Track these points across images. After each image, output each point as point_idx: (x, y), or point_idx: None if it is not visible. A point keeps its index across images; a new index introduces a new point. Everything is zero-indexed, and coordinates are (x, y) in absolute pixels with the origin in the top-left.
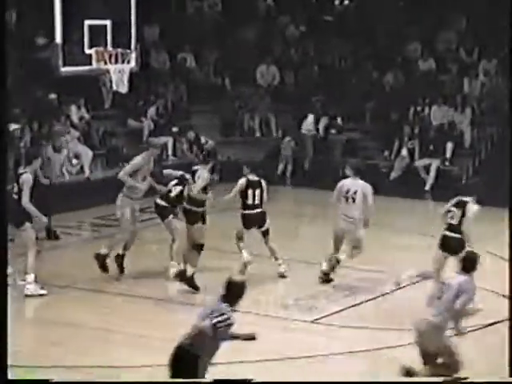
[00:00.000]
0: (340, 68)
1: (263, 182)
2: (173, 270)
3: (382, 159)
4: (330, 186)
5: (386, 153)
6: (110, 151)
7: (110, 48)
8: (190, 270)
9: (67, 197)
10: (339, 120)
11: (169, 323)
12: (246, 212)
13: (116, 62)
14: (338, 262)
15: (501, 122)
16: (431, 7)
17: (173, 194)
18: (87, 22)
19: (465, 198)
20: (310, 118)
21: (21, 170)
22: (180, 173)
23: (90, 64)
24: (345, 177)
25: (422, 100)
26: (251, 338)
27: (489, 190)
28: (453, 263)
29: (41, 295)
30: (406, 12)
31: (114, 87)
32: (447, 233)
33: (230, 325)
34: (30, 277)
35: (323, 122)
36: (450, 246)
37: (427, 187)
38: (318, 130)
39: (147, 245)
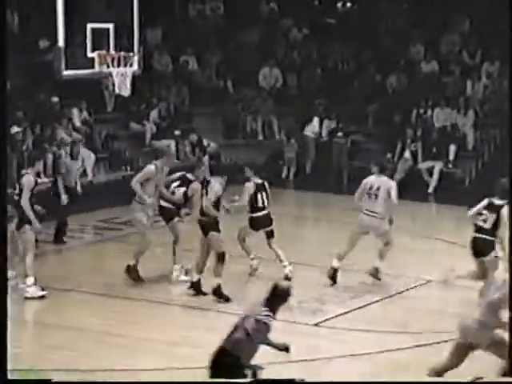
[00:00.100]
0: (343, 71)
1: (266, 184)
2: (176, 274)
3: (384, 162)
4: (332, 188)
5: (389, 155)
6: (112, 154)
7: (112, 51)
8: (216, 281)
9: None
10: (334, 123)
11: (172, 326)
12: (255, 215)
13: (118, 65)
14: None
15: (504, 124)
16: (434, 9)
17: (176, 196)
18: (90, 26)
19: (497, 201)
20: (315, 120)
21: (23, 172)
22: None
23: (93, 67)
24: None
25: (424, 102)
26: (285, 349)
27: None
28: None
29: (41, 297)
30: (409, 14)
31: (117, 90)
32: (478, 235)
33: (268, 329)
34: (30, 279)
35: (328, 124)
36: (480, 248)
37: (430, 190)
38: (321, 132)
39: (151, 247)
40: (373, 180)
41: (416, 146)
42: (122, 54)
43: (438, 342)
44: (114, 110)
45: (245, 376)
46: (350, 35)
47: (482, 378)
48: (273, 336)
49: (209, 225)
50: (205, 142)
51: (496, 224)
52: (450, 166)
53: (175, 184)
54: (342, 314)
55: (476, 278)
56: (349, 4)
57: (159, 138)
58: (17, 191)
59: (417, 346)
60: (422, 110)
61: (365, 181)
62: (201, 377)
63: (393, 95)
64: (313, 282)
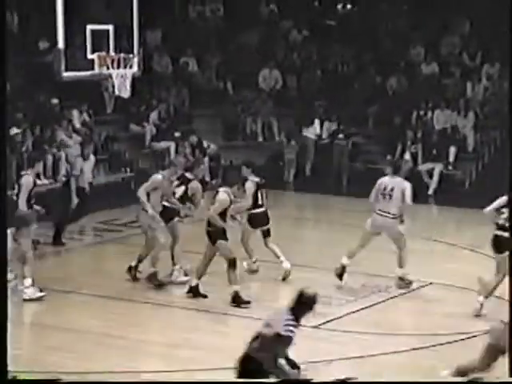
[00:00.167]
0: (343, 72)
1: (263, 182)
2: (176, 274)
3: (385, 164)
4: (332, 190)
5: (389, 157)
6: (112, 156)
7: (112, 53)
8: (234, 288)
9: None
10: (335, 125)
11: (173, 328)
12: (254, 211)
13: (118, 66)
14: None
15: (504, 126)
16: (434, 11)
17: (177, 195)
18: (89, 27)
19: None
20: (316, 122)
21: (22, 173)
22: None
23: (93, 69)
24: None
25: (425, 104)
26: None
27: (493, 193)
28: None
29: (40, 298)
30: (409, 16)
31: (116, 92)
32: (500, 232)
33: (289, 342)
34: (27, 281)
35: (328, 126)
36: (502, 245)
37: (430, 191)
38: (321, 134)
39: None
40: (387, 181)
41: (416, 147)
42: (122, 55)
43: (441, 344)
44: (113, 111)
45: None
46: (350, 37)
47: (482, 378)
48: None
49: (216, 234)
50: (205, 144)
51: None
52: (450, 167)
53: (175, 183)
54: (341, 317)
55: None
56: (349, 6)
57: (159, 140)
58: (16, 192)
59: (415, 349)
60: (422, 112)
61: (379, 181)
62: (201, 379)
63: (393, 97)
64: (312, 283)
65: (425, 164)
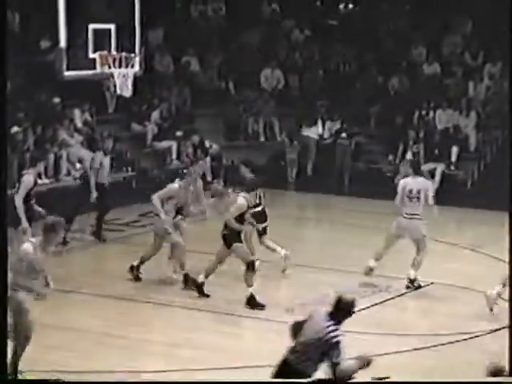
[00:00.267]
0: (345, 72)
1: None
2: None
3: (386, 163)
4: (334, 190)
5: (391, 157)
6: (113, 155)
7: (113, 52)
8: (249, 290)
9: (70, 201)
10: (338, 124)
11: (174, 328)
12: (252, 210)
13: (120, 66)
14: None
15: (506, 126)
16: (436, 11)
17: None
18: (91, 26)
19: None
20: (319, 122)
21: (24, 172)
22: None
23: (94, 68)
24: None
25: (426, 104)
26: (365, 363)
27: (495, 193)
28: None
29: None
30: (411, 16)
31: (118, 91)
32: None
33: (336, 342)
34: None
35: (330, 126)
36: None
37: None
38: (323, 134)
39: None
40: (411, 183)
41: (418, 147)
42: (124, 54)
43: (442, 344)
44: (115, 110)
45: None
46: (352, 37)
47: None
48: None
49: (231, 237)
50: (207, 144)
51: None
52: (452, 167)
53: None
54: None
55: None
56: (351, 5)
57: (161, 139)
58: (16, 190)
59: (416, 349)
60: (424, 112)
61: (402, 184)
62: (202, 379)
63: (395, 97)
64: (314, 283)
65: (427, 164)
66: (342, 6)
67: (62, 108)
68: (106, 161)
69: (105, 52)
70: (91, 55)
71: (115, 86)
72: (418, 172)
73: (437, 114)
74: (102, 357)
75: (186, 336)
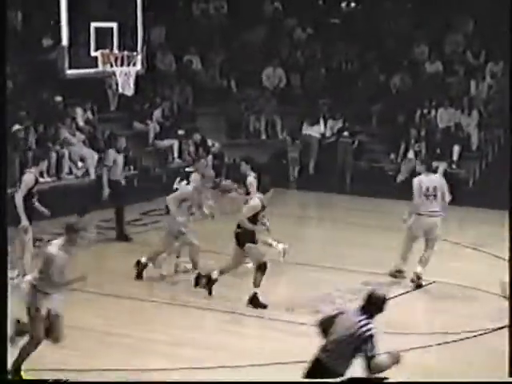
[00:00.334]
0: (347, 71)
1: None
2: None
3: (388, 162)
4: (335, 188)
5: (393, 156)
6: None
7: (115, 50)
8: (254, 290)
9: (72, 199)
10: (341, 122)
11: (175, 327)
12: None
13: (122, 64)
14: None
15: (508, 125)
16: (438, 10)
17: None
18: (93, 25)
19: None
20: (322, 121)
21: (26, 171)
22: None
23: (96, 66)
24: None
25: (428, 103)
26: (396, 360)
27: (496, 192)
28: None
29: None
30: (413, 15)
31: (120, 90)
32: None
33: (369, 336)
34: (27, 278)
35: (332, 124)
36: None
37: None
38: (325, 133)
39: (154, 247)
40: (425, 180)
41: (420, 146)
42: (126, 53)
43: (446, 342)
44: (117, 109)
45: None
46: (354, 35)
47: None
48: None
49: (244, 236)
50: (209, 142)
51: None
52: (454, 166)
53: (177, 180)
54: None
55: None
56: (353, 4)
57: (162, 138)
58: (17, 189)
59: (420, 348)
60: (425, 111)
61: (416, 182)
62: (204, 378)
63: (397, 95)
64: (316, 282)
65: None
66: (344, 5)
67: (63, 106)
68: (120, 158)
69: (107, 50)
70: (93, 53)
71: (117, 85)
72: (430, 169)
73: (439, 112)
74: (105, 355)
75: (188, 335)
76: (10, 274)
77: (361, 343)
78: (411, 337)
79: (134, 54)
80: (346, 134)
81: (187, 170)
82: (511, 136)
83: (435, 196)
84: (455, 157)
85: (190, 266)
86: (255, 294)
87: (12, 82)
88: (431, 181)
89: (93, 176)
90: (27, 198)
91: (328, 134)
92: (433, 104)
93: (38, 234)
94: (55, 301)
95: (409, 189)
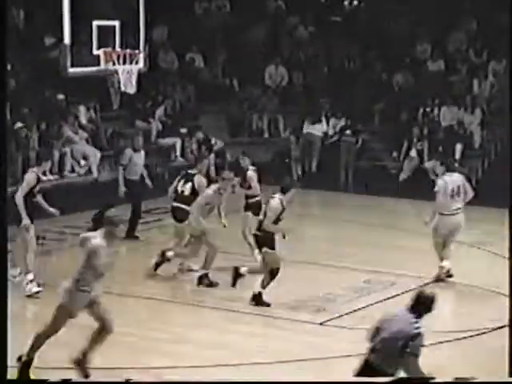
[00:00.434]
0: (349, 69)
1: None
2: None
3: (390, 160)
4: (338, 187)
5: (395, 154)
6: (117, 152)
7: (118, 49)
8: (258, 289)
9: (75, 197)
10: (343, 121)
11: (178, 325)
12: (252, 200)
13: (124, 62)
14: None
15: (510, 123)
16: (441, 8)
17: (186, 193)
18: (96, 23)
19: None
20: (324, 120)
21: (28, 170)
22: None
23: (98, 65)
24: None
25: (431, 101)
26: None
27: (499, 190)
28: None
29: (37, 293)
30: (416, 13)
31: (122, 88)
32: None
33: (417, 333)
34: (29, 276)
35: (334, 123)
36: None
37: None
38: (327, 132)
39: (156, 246)
40: (449, 181)
41: (422, 144)
42: (128, 51)
43: (448, 341)
44: (119, 107)
45: None
46: (357, 33)
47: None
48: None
49: (263, 239)
50: (212, 141)
51: None
52: (457, 164)
53: (181, 183)
54: (347, 314)
55: None
56: (355, 2)
57: (165, 136)
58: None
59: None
60: (428, 109)
61: (442, 184)
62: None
63: (399, 94)
64: (318, 280)
65: (431, 161)
66: (346, 3)
67: (66, 104)
68: (137, 156)
69: (109, 49)
70: (95, 52)
71: (119, 83)
72: (450, 169)
73: (441, 111)
74: (107, 354)
75: (190, 333)
76: (13, 272)
77: (408, 340)
78: None
79: (137, 52)
80: (348, 132)
81: (190, 171)
82: (511, 136)
83: (459, 194)
84: (458, 155)
85: (194, 266)
86: (260, 292)
87: (14, 80)
88: (454, 181)
89: (95, 174)
90: (28, 196)
91: (330, 132)
92: (435, 102)
93: (40, 233)
94: (98, 292)
95: (411, 187)
